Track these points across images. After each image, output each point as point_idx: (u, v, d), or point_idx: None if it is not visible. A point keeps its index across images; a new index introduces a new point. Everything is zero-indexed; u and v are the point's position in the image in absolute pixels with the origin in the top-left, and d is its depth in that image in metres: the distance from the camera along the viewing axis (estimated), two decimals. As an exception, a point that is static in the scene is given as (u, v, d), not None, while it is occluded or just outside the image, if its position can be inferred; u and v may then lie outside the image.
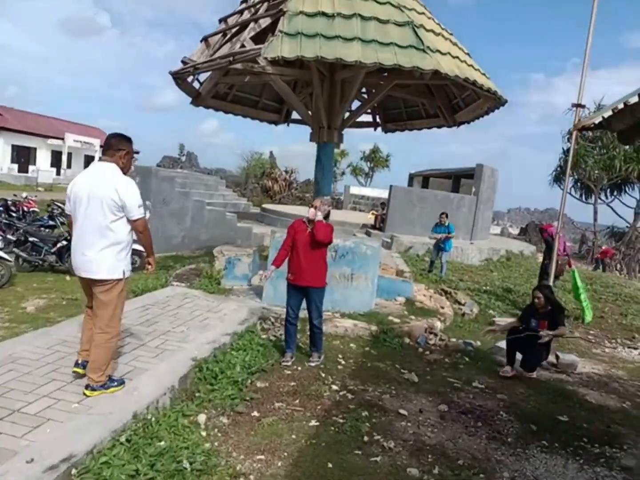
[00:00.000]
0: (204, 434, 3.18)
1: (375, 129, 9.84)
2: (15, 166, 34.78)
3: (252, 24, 6.04)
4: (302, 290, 4.70)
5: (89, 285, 3.32)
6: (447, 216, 10.93)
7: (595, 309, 9.80)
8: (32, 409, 2.97)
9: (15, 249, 8.97)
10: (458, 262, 13.98)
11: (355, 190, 27.39)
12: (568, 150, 21.38)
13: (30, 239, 9.01)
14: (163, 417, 3.20)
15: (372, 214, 17.91)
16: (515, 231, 34.83)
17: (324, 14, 5.60)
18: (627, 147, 19.61)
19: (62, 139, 37.82)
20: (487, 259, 14.83)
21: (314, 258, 4.64)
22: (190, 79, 7.62)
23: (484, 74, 6.47)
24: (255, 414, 3.55)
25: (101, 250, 3.20)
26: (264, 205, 21.27)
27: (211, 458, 2.86)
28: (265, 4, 6.21)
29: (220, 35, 6.58)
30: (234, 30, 6.52)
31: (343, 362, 4.84)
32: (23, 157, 35.96)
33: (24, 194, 17.20)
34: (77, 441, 2.65)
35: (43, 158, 38.00)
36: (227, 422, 3.39)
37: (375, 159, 32.53)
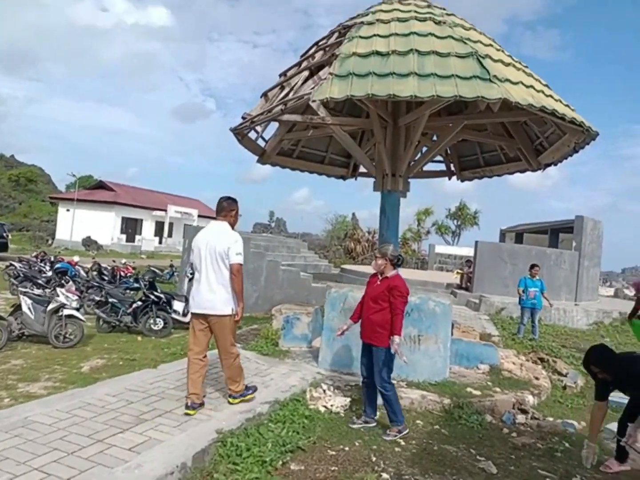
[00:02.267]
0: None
1: (450, 178, 9.15)
2: (124, 236, 38.35)
3: (305, 72, 5.90)
4: (367, 347, 4.34)
5: (207, 323, 4.05)
6: (539, 268, 9.61)
7: None
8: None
9: (96, 310, 9.30)
10: (560, 325, 12.27)
11: (441, 249, 26.15)
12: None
13: (110, 300, 9.29)
14: (163, 504, 2.65)
15: (457, 272, 16.65)
16: (631, 292, 30.73)
17: (378, 53, 5.29)
18: None
19: (165, 210, 41.34)
20: (596, 322, 12.85)
21: (377, 313, 4.20)
22: (254, 136, 7.67)
23: (567, 105, 5.67)
24: (278, 507, 2.86)
25: (219, 291, 3.99)
26: (343, 266, 20.92)
27: None
28: (321, 52, 6.10)
29: (278, 88, 6.55)
30: (292, 82, 6.46)
31: (402, 444, 3.97)
32: (131, 228, 39.66)
33: (123, 260, 18.54)
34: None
35: (148, 228, 41.62)
36: (241, 516, 2.75)
37: (463, 216, 31.13)
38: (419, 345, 5.55)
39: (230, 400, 4.14)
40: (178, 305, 9.49)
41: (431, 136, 8.11)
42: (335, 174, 9.53)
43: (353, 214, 38.55)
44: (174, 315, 9.24)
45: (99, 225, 35.64)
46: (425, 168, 9.34)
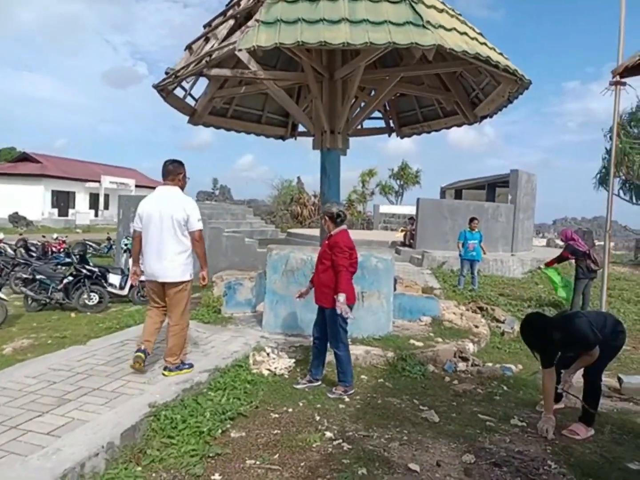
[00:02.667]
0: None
1: (389, 135, 9.04)
2: (56, 210, 36.02)
3: (230, 21, 5.47)
4: (320, 308, 4.21)
5: (163, 288, 3.99)
6: (478, 221, 9.87)
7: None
8: None
9: (23, 288, 8.66)
10: (498, 275, 12.80)
11: (385, 209, 26.47)
12: (611, 149, 19.87)
13: (38, 277, 8.64)
14: (87, 488, 2.44)
15: (401, 230, 16.93)
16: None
17: (306, -2, 4.95)
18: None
19: (99, 181, 39.08)
20: (530, 271, 13.52)
21: (323, 273, 4.10)
22: (182, 94, 7.17)
23: (500, 54, 5.62)
24: (217, 477, 2.72)
25: (174, 258, 3.90)
26: (289, 230, 20.75)
27: None
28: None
29: (203, 40, 6.06)
30: (218, 33, 5.99)
31: (347, 400, 3.94)
32: (62, 201, 37.26)
33: (55, 235, 17.36)
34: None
35: (81, 201, 39.31)
36: (177, 491, 2.59)
37: (405, 176, 31.56)
38: (363, 302, 5.52)
39: (165, 372, 3.94)
40: (114, 279, 9.01)
41: (369, 91, 7.91)
42: (274, 134, 9.17)
43: (298, 178, 38.00)
44: (110, 289, 8.77)
45: (26, 200, 33.11)
46: (365, 125, 9.24)
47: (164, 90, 6.41)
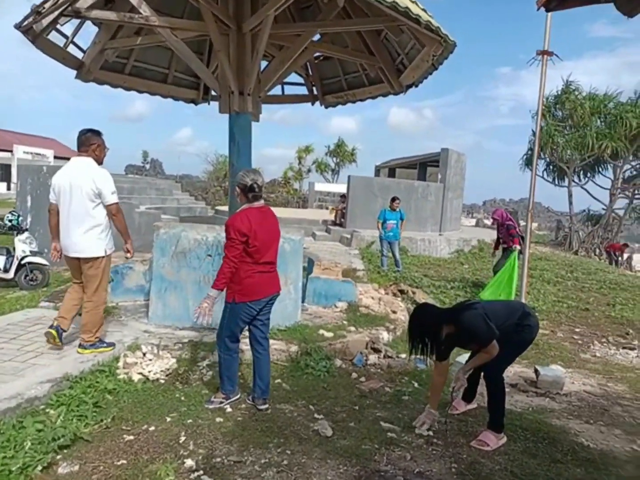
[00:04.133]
0: None
1: (312, 103, 8.33)
2: (-40, 183, 32.35)
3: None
4: None
5: (78, 263, 3.86)
6: (400, 201, 9.47)
7: (579, 300, 8.50)
8: None
9: None
10: (425, 255, 12.62)
11: (321, 187, 25.91)
12: (537, 122, 20.33)
13: None
14: None
15: (332, 209, 16.42)
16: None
17: None
18: (599, 122, 18.61)
19: (11, 151, 35.48)
20: (457, 251, 13.49)
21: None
22: (62, 42, 6.03)
23: (423, 9, 5.02)
24: (10, 542, 1.97)
25: (85, 233, 3.75)
26: (217, 207, 19.67)
27: None
28: None
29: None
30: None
31: (229, 411, 3.28)
32: (-32, 173, 33.52)
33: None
34: None
35: (-10, 173, 35.61)
36: None
37: (341, 153, 31.06)
38: (266, 288, 4.84)
39: (79, 350, 3.83)
40: (-3, 260, 7.77)
41: (287, 50, 7.10)
42: (183, 97, 8.16)
43: (232, 153, 36.58)
44: (-9, 272, 7.55)
45: None
46: (287, 92, 8.48)
47: (31, 32, 5.27)
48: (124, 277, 5.57)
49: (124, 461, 2.58)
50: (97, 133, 3.92)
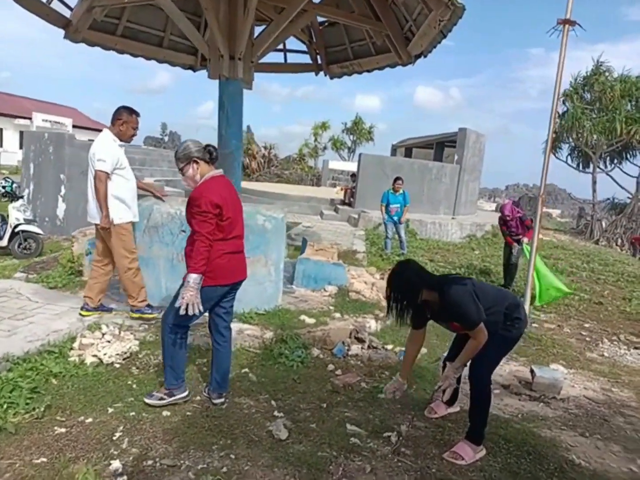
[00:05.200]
0: None
1: (317, 73, 7.84)
2: (-20, 148, 32.64)
3: None
4: None
5: (100, 233, 4.12)
6: (402, 182, 8.96)
7: (592, 293, 7.99)
8: None
9: None
10: (435, 239, 12.13)
11: (335, 165, 25.35)
12: (564, 114, 19.34)
13: None
14: None
15: (341, 188, 15.95)
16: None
17: None
18: (629, 107, 17.57)
19: (30, 119, 35.56)
20: (469, 236, 12.96)
21: (188, 239, 2.91)
22: (45, -2, 5.66)
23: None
24: None
25: (93, 199, 3.99)
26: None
27: None
28: None
29: None
30: None
31: (180, 404, 2.98)
32: (-12, 138, 33.77)
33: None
34: None
35: (10, 139, 35.84)
36: None
37: (358, 131, 30.25)
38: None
39: (131, 314, 4.18)
40: (-12, 227, 7.61)
41: (283, 11, 6.61)
42: (181, 63, 7.75)
43: (248, 127, 36.00)
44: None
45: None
46: (291, 61, 8.00)
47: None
48: (103, 250, 5.29)
49: (45, 459, 2.30)
50: (129, 111, 4.08)
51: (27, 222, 7.59)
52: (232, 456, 2.45)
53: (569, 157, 20.66)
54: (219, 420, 2.79)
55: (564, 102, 18.86)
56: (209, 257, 2.74)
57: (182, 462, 2.36)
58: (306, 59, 7.80)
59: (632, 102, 17.72)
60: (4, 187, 8.85)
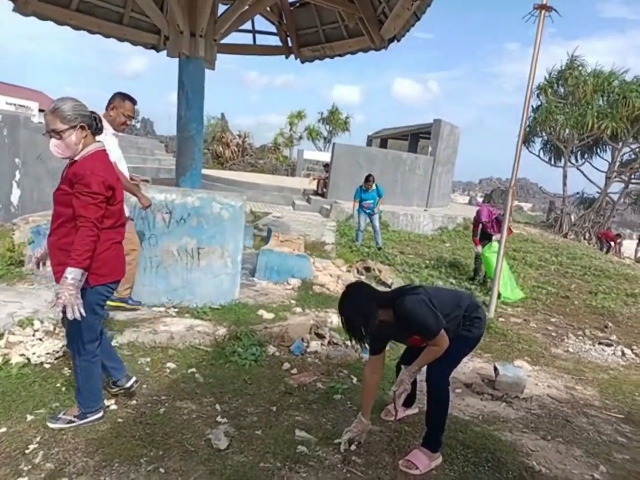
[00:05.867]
0: None
1: (287, 56, 7.54)
2: None
3: None
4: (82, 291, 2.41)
5: None
6: (374, 180, 8.74)
7: (559, 286, 7.99)
8: None
9: None
10: (407, 231, 12.03)
11: (309, 155, 25.02)
12: (537, 107, 19.44)
13: None
14: None
15: (314, 178, 15.69)
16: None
17: None
18: (600, 102, 17.77)
19: (-9, 101, 34.03)
20: (441, 228, 12.90)
21: (59, 227, 2.36)
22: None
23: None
24: None
25: None
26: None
27: None
28: None
29: None
30: None
31: (113, 408, 2.71)
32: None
33: None
34: None
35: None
36: None
37: (334, 121, 29.94)
38: (199, 260, 4.24)
39: (109, 302, 3.70)
40: None
41: None
42: (142, 42, 7.34)
43: (222, 115, 35.22)
44: None
45: None
46: (259, 42, 7.66)
47: None
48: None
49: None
50: (123, 96, 3.83)
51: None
52: (162, 470, 2.20)
53: (541, 151, 20.82)
54: (153, 428, 2.53)
55: (538, 96, 18.95)
56: (96, 251, 2.28)
57: (101, 478, 2.10)
58: (276, 41, 7.49)
59: (604, 97, 17.92)
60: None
